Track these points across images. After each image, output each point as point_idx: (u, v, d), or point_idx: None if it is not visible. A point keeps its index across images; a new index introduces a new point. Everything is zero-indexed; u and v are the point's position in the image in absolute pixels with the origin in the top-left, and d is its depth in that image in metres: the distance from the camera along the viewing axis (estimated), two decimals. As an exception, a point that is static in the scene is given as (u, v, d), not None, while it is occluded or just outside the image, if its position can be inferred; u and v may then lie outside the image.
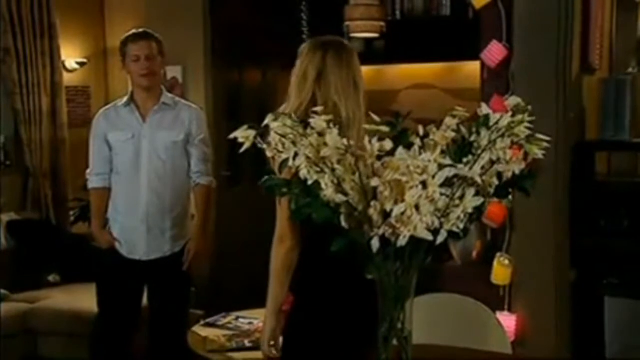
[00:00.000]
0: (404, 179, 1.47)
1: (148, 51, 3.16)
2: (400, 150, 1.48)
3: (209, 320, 3.51)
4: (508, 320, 2.87)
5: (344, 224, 1.58)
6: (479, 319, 2.17)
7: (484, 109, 1.59)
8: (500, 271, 2.94)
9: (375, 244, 1.54)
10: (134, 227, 3.19)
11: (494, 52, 2.89)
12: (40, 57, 4.74)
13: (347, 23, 4.62)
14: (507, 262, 2.93)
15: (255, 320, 3.41)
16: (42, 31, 4.73)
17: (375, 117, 1.54)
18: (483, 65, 3.10)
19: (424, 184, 1.49)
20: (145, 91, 3.19)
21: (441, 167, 1.47)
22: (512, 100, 1.61)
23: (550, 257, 2.94)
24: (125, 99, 3.26)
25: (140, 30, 3.26)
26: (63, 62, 4.95)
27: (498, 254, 2.98)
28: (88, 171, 3.32)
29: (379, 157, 1.52)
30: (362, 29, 4.54)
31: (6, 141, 4.73)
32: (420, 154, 1.46)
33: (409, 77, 5.25)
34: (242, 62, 5.38)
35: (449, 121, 1.58)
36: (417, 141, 1.47)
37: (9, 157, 4.74)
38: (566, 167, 2.91)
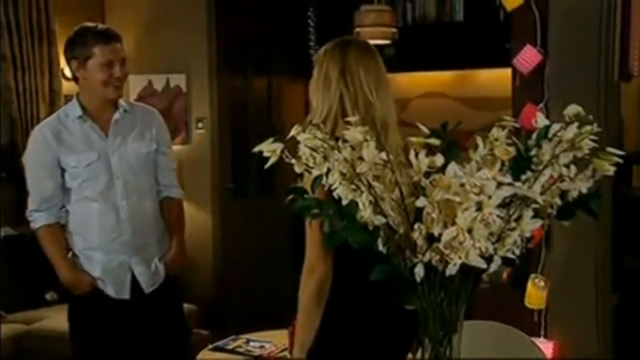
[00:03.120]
0: (457, 199, 1.29)
1: (122, 54, 2.60)
2: (453, 166, 1.29)
3: (217, 343, 3.30)
4: (544, 348, 2.68)
5: (381, 248, 1.40)
6: (519, 349, 1.98)
7: (541, 120, 1.41)
8: (535, 294, 2.75)
9: (419, 271, 1.37)
10: (119, 261, 2.65)
11: (528, 57, 2.71)
12: (39, 64, 4.58)
13: (357, 29, 4.49)
14: (542, 284, 2.74)
15: (267, 343, 3.22)
16: (40, 37, 4.57)
17: (423, 127, 1.36)
18: (515, 71, 2.92)
19: (478, 205, 1.31)
20: (104, 101, 2.64)
21: (499, 185, 1.29)
22: (572, 109, 1.44)
23: (590, 279, 2.75)
24: (73, 111, 2.64)
25: (102, 26, 2.67)
26: (62, 70, 4.78)
27: (532, 275, 2.79)
28: (30, 208, 2.67)
29: (426, 174, 1.34)
30: (373, 35, 4.39)
31: (1, 152, 4.54)
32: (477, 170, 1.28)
33: (421, 85, 5.09)
34: (248, 69, 5.26)
35: (497, 133, 1.40)
36: (477, 156, 1.28)
37: (5, 168, 4.55)
38: (609, 181, 2.73)
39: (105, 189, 2.61)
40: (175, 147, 3.83)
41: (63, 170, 2.62)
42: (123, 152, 2.65)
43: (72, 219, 2.65)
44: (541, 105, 2.69)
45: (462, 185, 1.28)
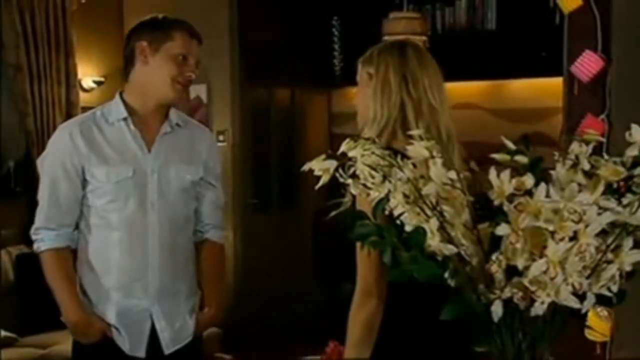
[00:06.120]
0: (551, 227, 1.09)
1: (199, 56, 2.15)
2: (545, 188, 1.09)
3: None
4: (608, 383, 2.48)
5: (450, 282, 1.21)
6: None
7: (637, 132, 1.21)
8: (597, 324, 2.53)
9: (497, 310, 1.18)
10: (141, 308, 2.12)
11: (588, 63, 2.50)
12: (55, 75, 4.45)
13: (385, 37, 4.30)
14: (605, 313, 2.53)
15: (297, 373, 3.02)
16: (57, 47, 4.44)
17: (509, 143, 1.16)
18: (572, 79, 2.70)
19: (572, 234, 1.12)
20: (158, 105, 2.13)
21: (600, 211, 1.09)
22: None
23: (660, 308, 2.53)
24: (116, 111, 2.12)
25: (186, 22, 2.21)
26: (79, 81, 4.66)
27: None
28: (37, 224, 2.15)
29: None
30: (403, 44, 4.20)
31: (16, 166, 4.41)
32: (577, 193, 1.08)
33: (451, 96, 4.81)
34: (270, 81, 5.10)
35: (577, 148, 1.21)
36: (579, 177, 1.08)
37: (20, 183, 4.39)
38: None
39: (134, 215, 2.09)
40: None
41: (85, 183, 2.10)
42: (165, 174, 2.12)
43: (89, 247, 2.13)
44: (602, 116, 2.48)
45: (555, 211, 1.08)
